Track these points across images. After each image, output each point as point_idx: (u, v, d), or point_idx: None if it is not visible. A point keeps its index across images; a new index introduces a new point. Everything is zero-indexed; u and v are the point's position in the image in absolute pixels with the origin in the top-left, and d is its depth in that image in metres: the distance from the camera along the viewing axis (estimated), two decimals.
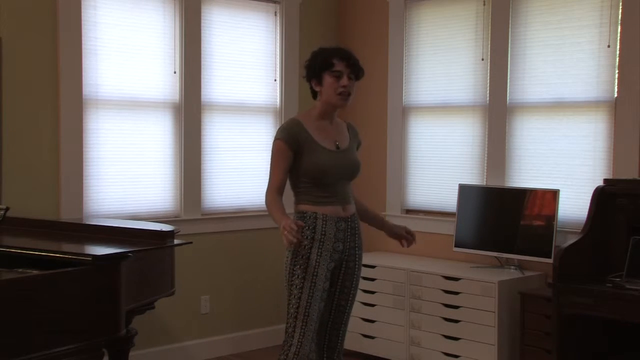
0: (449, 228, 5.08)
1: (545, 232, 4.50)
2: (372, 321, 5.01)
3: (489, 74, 4.94)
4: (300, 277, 3.20)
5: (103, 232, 3.79)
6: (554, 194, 4.50)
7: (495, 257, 4.81)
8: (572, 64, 4.58)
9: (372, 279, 4.93)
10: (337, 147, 3.31)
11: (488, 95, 4.95)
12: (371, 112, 5.60)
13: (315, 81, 3.31)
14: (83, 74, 4.49)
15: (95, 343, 3.07)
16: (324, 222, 3.23)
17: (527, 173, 4.79)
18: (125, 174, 4.73)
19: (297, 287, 3.20)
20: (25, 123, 4.31)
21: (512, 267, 4.71)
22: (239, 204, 5.28)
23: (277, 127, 3.84)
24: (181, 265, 4.21)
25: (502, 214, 4.77)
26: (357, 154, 3.46)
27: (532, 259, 4.59)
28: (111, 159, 4.66)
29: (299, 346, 3.19)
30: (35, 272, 3.02)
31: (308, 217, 3.23)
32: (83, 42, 4.48)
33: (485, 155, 4.98)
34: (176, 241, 3.74)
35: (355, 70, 3.29)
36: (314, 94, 3.37)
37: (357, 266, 3.38)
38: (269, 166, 3.28)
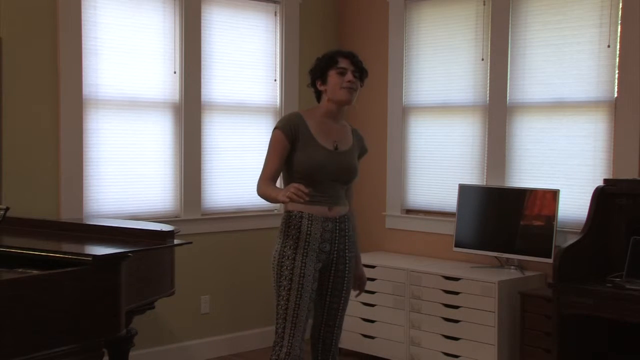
0: (449, 228, 5.08)
1: (545, 232, 4.50)
2: (372, 321, 5.01)
3: (489, 74, 4.94)
4: (287, 277, 3.21)
5: (103, 232, 3.79)
6: (554, 194, 4.50)
7: (495, 257, 4.81)
8: (572, 64, 4.58)
9: (372, 279, 4.93)
10: (336, 148, 3.29)
11: (488, 95, 4.95)
12: (371, 112, 5.60)
13: (320, 81, 3.30)
14: (83, 74, 4.49)
15: (95, 343, 3.07)
16: (310, 222, 3.22)
17: (527, 173, 4.79)
18: (125, 174, 4.73)
19: (285, 288, 3.21)
20: (25, 123, 4.31)
21: (512, 267, 4.71)
22: (239, 204, 5.28)
23: None
24: (181, 265, 4.21)
25: (502, 214, 4.77)
26: (360, 162, 3.43)
27: (532, 259, 4.59)
28: (111, 159, 4.66)
29: (289, 347, 3.20)
30: (35, 272, 3.01)
31: (294, 217, 3.23)
32: (83, 42, 4.48)
33: (485, 155, 4.98)
34: (176, 241, 3.73)
35: (359, 69, 3.29)
36: (319, 97, 3.36)
37: (347, 269, 3.36)
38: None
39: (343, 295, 3.38)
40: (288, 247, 3.23)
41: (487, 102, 4.96)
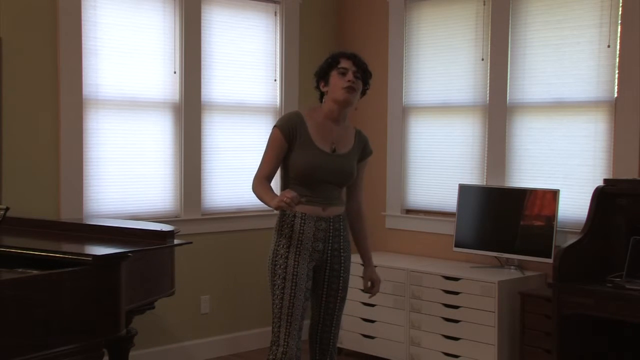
0: (449, 228, 5.08)
1: (545, 232, 4.50)
2: (372, 321, 5.01)
3: (489, 74, 4.94)
4: (281, 277, 3.22)
5: (103, 232, 3.79)
6: (554, 194, 4.50)
7: (495, 257, 4.81)
8: (572, 64, 4.58)
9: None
10: (333, 150, 3.28)
11: (488, 95, 4.95)
12: (371, 112, 5.59)
13: (323, 82, 3.31)
14: (83, 74, 4.49)
15: (95, 343, 3.07)
16: (303, 221, 3.23)
17: (527, 173, 4.79)
18: (125, 174, 4.73)
19: (279, 287, 3.22)
20: (25, 123, 4.31)
21: (512, 267, 4.71)
22: (239, 204, 5.28)
23: None
24: (181, 265, 4.21)
25: (502, 214, 4.77)
26: (363, 165, 3.42)
27: (532, 259, 4.59)
28: (111, 159, 4.66)
29: (285, 346, 3.20)
30: (35, 272, 3.01)
31: (287, 216, 3.24)
32: (83, 42, 4.48)
33: (485, 155, 4.98)
34: (176, 241, 3.73)
35: (362, 70, 3.28)
36: (322, 98, 3.35)
37: (342, 268, 3.36)
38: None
39: (339, 295, 3.38)
40: (281, 246, 3.24)
41: (487, 102, 4.96)
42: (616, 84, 4.38)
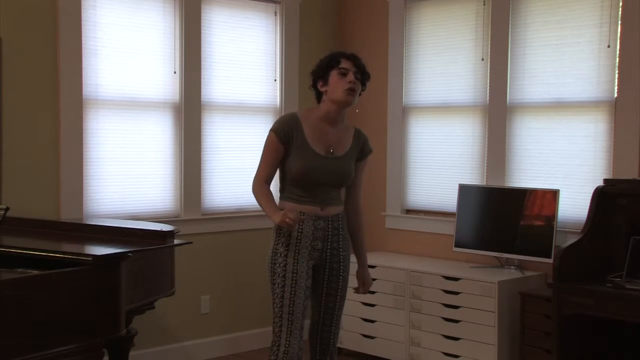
0: (449, 228, 5.08)
1: (545, 232, 4.50)
2: (372, 321, 5.01)
3: (489, 74, 4.94)
4: (280, 275, 3.23)
5: (103, 232, 3.79)
6: (554, 194, 4.50)
7: (495, 257, 4.81)
8: (572, 64, 4.58)
9: (372, 279, 4.91)
10: (330, 152, 3.28)
11: (488, 95, 4.95)
12: (371, 112, 5.60)
13: (322, 82, 3.29)
14: (83, 74, 4.49)
15: (95, 343, 3.07)
16: (301, 220, 3.24)
17: (527, 173, 4.79)
18: (125, 174, 4.73)
19: (279, 286, 3.23)
20: (25, 123, 4.31)
21: (512, 267, 4.71)
22: (238, 204, 5.28)
23: None
24: (181, 265, 4.21)
25: (502, 214, 4.77)
26: (363, 164, 3.41)
27: (532, 259, 4.59)
28: (111, 159, 4.66)
29: (287, 345, 3.20)
30: (35, 272, 3.01)
31: None
32: (83, 42, 4.48)
33: (485, 155, 4.98)
34: (176, 241, 3.73)
35: (361, 72, 3.28)
36: (319, 97, 3.34)
37: (342, 267, 3.36)
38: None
39: (339, 294, 3.38)
40: (280, 245, 3.25)
41: (487, 102, 4.96)
42: (616, 84, 4.38)
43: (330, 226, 3.30)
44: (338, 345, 4.65)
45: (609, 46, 4.40)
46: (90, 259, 3.08)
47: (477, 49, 5.01)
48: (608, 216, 4.12)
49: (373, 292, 4.95)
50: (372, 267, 4.92)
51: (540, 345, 4.27)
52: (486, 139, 4.97)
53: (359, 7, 5.74)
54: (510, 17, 4.82)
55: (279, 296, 3.23)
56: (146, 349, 4.74)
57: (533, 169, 4.76)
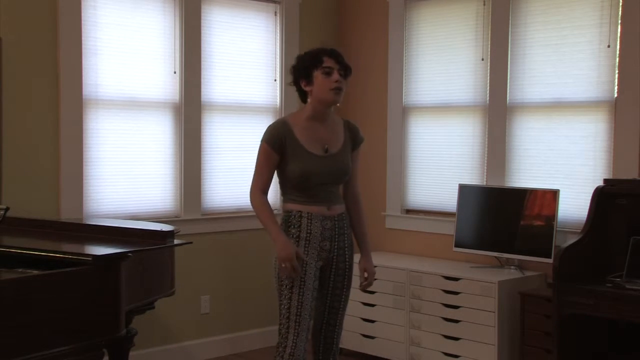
0: (449, 228, 5.08)
1: (545, 232, 4.50)
2: (372, 321, 5.01)
3: (489, 74, 4.94)
4: (289, 277, 3.20)
5: (103, 232, 3.79)
6: (554, 194, 4.50)
7: (495, 257, 4.81)
8: (572, 64, 4.58)
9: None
10: (326, 151, 3.28)
11: (488, 95, 4.95)
12: (371, 112, 5.60)
13: (305, 81, 3.28)
14: (83, 74, 4.49)
15: (95, 343, 3.07)
16: (309, 221, 3.23)
17: (527, 173, 4.79)
18: (125, 174, 4.73)
19: (287, 287, 3.21)
20: (25, 123, 4.31)
21: (512, 267, 4.71)
22: (239, 204, 5.28)
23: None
24: (181, 265, 4.21)
25: (502, 214, 4.77)
26: (357, 153, 3.42)
27: (532, 259, 4.59)
28: (111, 159, 4.66)
29: (293, 347, 3.19)
30: (35, 272, 3.01)
31: (293, 216, 3.25)
32: (83, 42, 4.48)
33: (485, 155, 4.98)
34: (176, 241, 3.73)
35: (344, 67, 3.27)
36: (303, 96, 3.33)
37: (347, 267, 3.36)
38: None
39: (344, 294, 3.38)
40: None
41: (487, 102, 4.96)
42: (616, 84, 4.38)
43: (336, 225, 3.30)
44: None
45: (609, 46, 4.40)
46: (90, 259, 3.08)
47: (477, 49, 5.01)
48: (608, 216, 4.12)
49: (373, 292, 4.95)
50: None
51: (540, 345, 4.27)
52: (486, 139, 4.97)
53: (359, 7, 5.74)
54: (510, 17, 4.82)
55: (286, 298, 3.21)
56: (146, 349, 4.74)
57: (533, 169, 4.76)
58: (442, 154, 5.23)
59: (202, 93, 5.05)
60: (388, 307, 4.91)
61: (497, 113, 4.89)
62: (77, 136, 4.48)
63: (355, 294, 4.62)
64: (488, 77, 4.94)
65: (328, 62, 3.24)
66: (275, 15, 5.47)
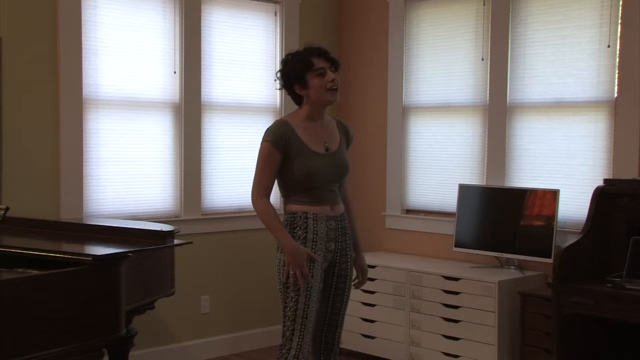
0: (449, 228, 5.08)
1: (545, 232, 4.50)
2: (372, 321, 5.00)
3: (489, 74, 4.94)
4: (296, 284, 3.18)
5: (103, 232, 3.79)
6: (554, 194, 4.50)
7: (495, 257, 4.81)
8: (572, 64, 4.58)
9: (372, 279, 4.93)
10: (327, 149, 3.27)
11: (488, 95, 4.95)
12: (371, 112, 5.60)
13: (299, 86, 3.24)
14: (83, 74, 4.49)
15: (95, 343, 3.07)
16: (315, 222, 3.21)
17: (527, 173, 4.79)
18: (125, 174, 4.73)
19: (294, 289, 3.17)
20: (25, 123, 4.31)
21: (512, 267, 4.71)
22: (239, 204, 5.28)
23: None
24: (181, 265, 4.21)
25: (502, 214, 4.77)
26: (349, 151, 3.41)
27: (532, 259, 4.59)
28: (111, 159, 4.66)
29: (298, 349, 3.17)
30: (35, 272, 3.01)
31: (299, 217, 3.22)
32: (83, 42, 4.48)
33: (485, 155, 4.98)
34: (176, 241, 3.74)
35: (334, 63, 3.24)
36: (298, 100, 3.31)
37: (349, 267, 3.35)
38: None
39: (346, 295, 3.37)
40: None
41: (487, 102, 4.96)
42: (616, 84, 4.38)
43: (339, 226, 3.29)
44: None
45: (609, 46, 4.40)
46: (90, 259, 3.08)
47: (477, 49, 5.01)
48: (608, 216, 4.12)
49: (373, 292, 4.95)
50: (372, 267, 4.93)
51: (540, 345, 4.27)
52: (486, 139, 4.97)
53: (359, 7, 5.74)
54: (510, 17, 4.82)
55: (293, 300, 3.17)
56: (146, 349, 4.74)
57: (533, 169, 4.76)
58: (442, 154, 5.23)
59: (202, 93, 5.05)
60: (388, 307, 4.91)
61: (497, 113, 4.89)
62: (77, 136, 4.48)
63: (356, 294, 4.63)
64: (488, 77, 4.94)
65: (319, 63, 3.21)
66: (275, 15, 5.47)
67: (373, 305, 4.99)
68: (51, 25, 4.38)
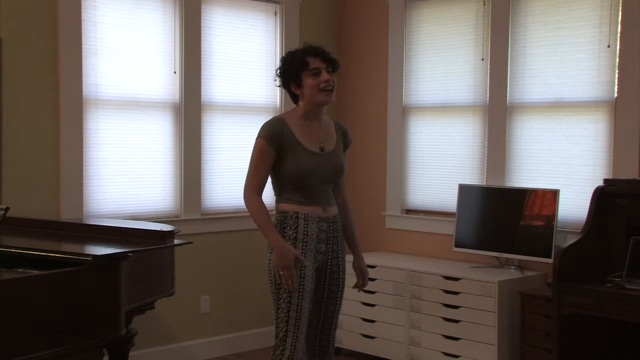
0: (449, 228, 5.08)
1: (545, 232, 4.50)
2: (372, 321, 5.00)
3: (489, 74, 4.94)
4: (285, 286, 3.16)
5: (103, 232, 3.79)
6: (554, 194, 4.50)
7: (495, 257, 4.81)
8: (572, 64, 4.58)
9: (372, 279, 4.92)
10: (322, 149, 3.25)
11: (488, 95, 4.95)
12: (371, 112, 5.60)
13: (294, 85, 3.24)
14: (83, 74, 4.49)
15: (95, 343, 3.07)
16: (306, 222, 3.19)
17: (527, 173, 4.79)
18: (125, 174, 4.73)
19: (286, 290, 3.16)
20: (25, 123, 4.31)
21: (512, 267, 4.71)
22: (239, 204, 5.21)
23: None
24: (181, 265, 4.21)
25: (502, 214, 4.77)
26: (346, 154, 3.39)
27: (532, 259, 4.59)
28: (111, 159, 4.66)
29: (292, 350, 3.16)
30: (35, 272, 3.01)
31: (289, 217, 3.20)
32: (83, 42, 4.48)
33: (485, 155, 4.98)
34: (176, 241, 3.73)
35: (332, 63, 3.22)
36: (295, 98, 3.31)
37: (341, 270, 3.33)
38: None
39: (339, 297, 3.35)
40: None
41: (487, 102, 4.96)
42: (616, 84, 4.38)
43: (331, 227, 3.27)
44: (338, 345, 4.66)
45: (609, 46, 4.40)
46: (90, 259, 3.08)
47: (477, 49, 5.01)
48: (608, 216, 4.12)
49: (373, 292, 4.95)
50: (372, 267, 4.93)
51: (540, 345, 4.27)
52: (486, 139, 4.97)
53: (359, 7, 5.74)
54: (510, 17, 4.82)
55: (285, 301, 3.16)
56: (146, 349, 4.74)
57: (533, 169, 4.76)
58: (442, 154, 5.23)
59: (202, 93, 5.05)
60: (388, 307, 4.91)
61: (497, 113, 4.89)
62: (77, 136, 4.48)
63: (356, 294, 4.63)
64: (488, 77, 4.94)
65: (314, 63, 3.19)
66: (275, 15, 5.47)
67: (373, 305, 4.99)
68: (51, 26, 4.38)
